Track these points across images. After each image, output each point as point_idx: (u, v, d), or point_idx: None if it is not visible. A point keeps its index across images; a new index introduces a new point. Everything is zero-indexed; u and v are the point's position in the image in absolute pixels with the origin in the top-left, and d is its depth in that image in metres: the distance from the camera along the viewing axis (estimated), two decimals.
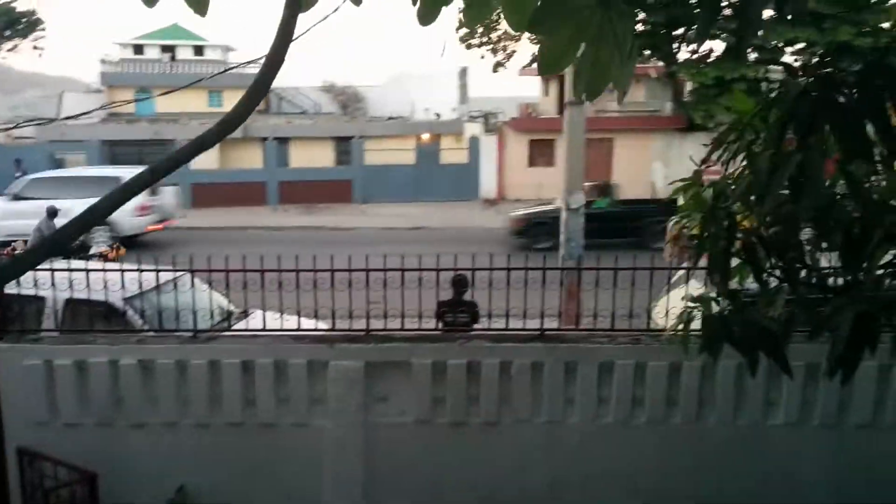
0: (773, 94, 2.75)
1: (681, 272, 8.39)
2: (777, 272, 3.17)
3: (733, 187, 3.12)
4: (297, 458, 5.79)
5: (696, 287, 6.80)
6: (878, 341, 2.61)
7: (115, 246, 15.38)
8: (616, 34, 1.84)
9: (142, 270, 6.71)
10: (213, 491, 5.77)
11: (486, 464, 5.78)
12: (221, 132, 2.74)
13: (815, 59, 22.59)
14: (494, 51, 26.34)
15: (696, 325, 3.26)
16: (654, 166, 26.67)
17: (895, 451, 5.57)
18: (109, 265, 8.10)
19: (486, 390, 5.67)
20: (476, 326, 7.50)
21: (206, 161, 27.28)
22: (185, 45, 45.49)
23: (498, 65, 26.72)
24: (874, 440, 5.58)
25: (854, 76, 2.41)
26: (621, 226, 17.63)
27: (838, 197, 2.83)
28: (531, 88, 34.10)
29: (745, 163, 2.97)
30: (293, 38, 2.53)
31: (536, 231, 18.21)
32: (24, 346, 5.81)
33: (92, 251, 14.67)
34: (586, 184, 19.93)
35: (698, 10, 2.13)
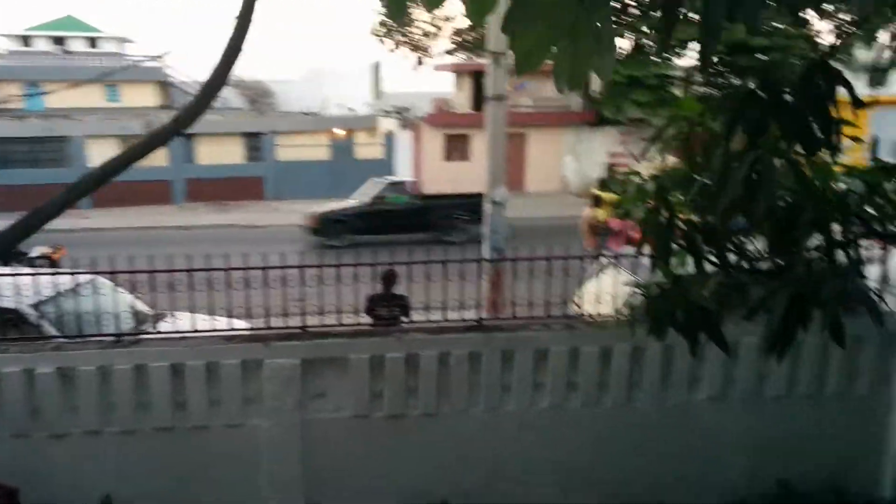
0: (719, 96, 2.89)
1: (602, 260, 8.69)
2: (711, 258, 3.34)
3: (670, 179, 3.28)
4: (233, 460, 5.63)
5: (616, 275, 7.07)
6: (811, 321, 2.76)
7: (57, 247, 14.48)
8: (593, 24, 1.87)
9: (53, 274, 6.34)
10: (143, 499, 5.53)
11: (425, 455, 5.79)
12: (177, 128, 2.64)
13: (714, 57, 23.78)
14: (414, 48, 26.25)
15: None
16: (565, 160, 27.33)
17: (807, 418, 5.96)
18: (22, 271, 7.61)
19: (424, 382, 5.67)
20: (405, 319, 7.51)
21: (106, 158, 26.00)
22: (78, 37, 43.12)
23: (419, 61, 26.58)
24: (788, 410, 5.94)
25: (797, 77, 2.55)
26: (414, 221, 18.19)
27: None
28: (444, 84, 34.25)
29: (691, 157, 3.14)
30: (250, 27, 2.45)
31: (331, 228, 17.96)
32: None
33: (34, 254, 13.77)
34: (380, 179, 20.43)
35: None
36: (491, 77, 10.47)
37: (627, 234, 12.52)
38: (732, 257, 3.32)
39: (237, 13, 2.40)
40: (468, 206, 18.58)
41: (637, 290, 3.39)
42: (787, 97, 2.56)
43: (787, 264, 3.07)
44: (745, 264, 3.35)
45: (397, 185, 20.09)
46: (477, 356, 5.71)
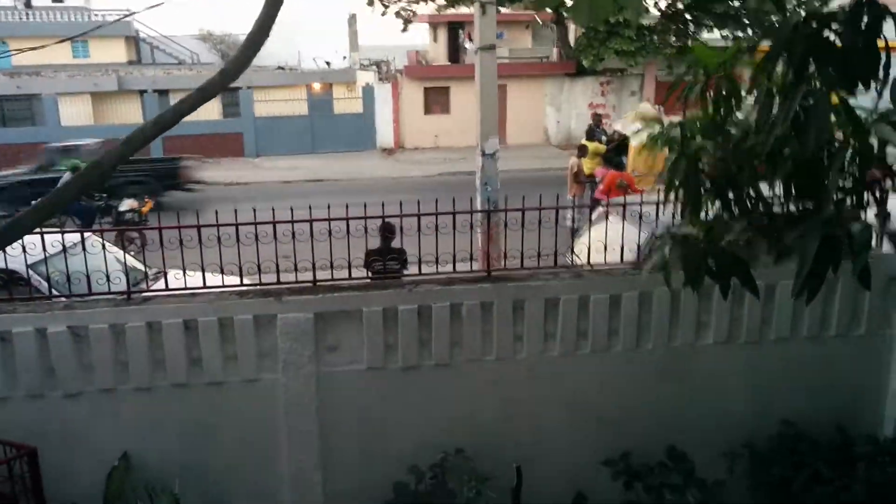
0: (762, 33, 2.88)
1: (600, 210, 8.76)
2: (735, 203, 3.36)
3: (696, 127, 3.29)
4: (249, 415, 5.67)
5: (614, 223, 7.12)
6: (840, 262, 2.78)
7: (145, 199, 14.46)
8: None
9: (44, 233, 6.20)
10: (160, 456, 5.56)
11: (440, 405, 5.87)
12: (223, 81, 2.58)
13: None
14: (398, 14, 25.60)
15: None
16: (546, 111, 27.22)
17: (808, 359, 6.13)
18: None
19: (437, 333, 5.72)
20: (405, 273, 7.53)
21: (80, 117, 25.39)
22: None
23: (406, 23, 25.84)
24: (791, 351, 6.10)
25: (843, 14, 2.54)
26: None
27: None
28: (419, 37, 33.69)
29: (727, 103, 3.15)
30: None
31: None
32: None
33: (123, 208, 13.77)
34: (54, 145, 18.49)
35: None
36: (478, 26, 10.34)
37: (613, 184, 12.60)
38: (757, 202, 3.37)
39: None
40: (155, 172, 17.93)
41: (663, 239, 3.39)
42: (832, 34, 2.56)
43: (816, 207, 3.11)
44: (770, 209, 3.39)
45: (71, 150, 18.07)
46: (488, 306, 5.76)
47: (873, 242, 5.22)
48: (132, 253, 8.75)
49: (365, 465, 5.84)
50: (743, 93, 3.19)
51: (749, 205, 3.30)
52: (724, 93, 3.18)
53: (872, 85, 2.65)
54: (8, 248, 6.00)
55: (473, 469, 5.64)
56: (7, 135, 24.12)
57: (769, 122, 2.71)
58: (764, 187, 3.27)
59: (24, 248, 5.55)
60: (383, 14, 24.21)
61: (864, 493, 5.53)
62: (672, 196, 3.29)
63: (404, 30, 26.07)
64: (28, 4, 39.03)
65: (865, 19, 2.51)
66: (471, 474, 5.57)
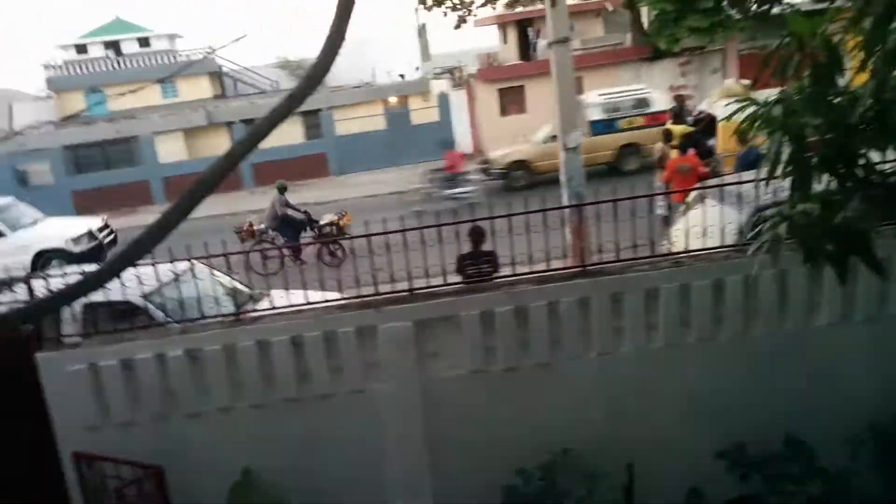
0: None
1: (694, 194, 8.48)
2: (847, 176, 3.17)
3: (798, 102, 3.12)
4: (357, 425, 5.81)
5: (711, 205, 6.86)
6: None
7: (343, 213, 15.16)
8: None
9: (153, 264, 6.55)
10: (278, 469, 5.76)
11: (543, 406, 5.84)
12: (291, 105, 2.69)
13: None
14: (454, 7, 25.85)
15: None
16: None
17: None
18: None
19: (535, 333, 5.70)
20: (499, 274, 7.52)
21: (175, 153, 26.74)
22: (129, 39, 44.11)
23: (461, 20, 26.19)
24: None
25: None
26: None
27: None
28: (489, 39, 33.73)
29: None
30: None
31: None
32: (66, 351, 5.70)
33: (323, 221, 14.46)
34: None
35: None
36: (549, 20, 10.24)
37: (674, 169, 12.16)
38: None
39: None
40: None
41: (775, 218, 3.23)
42: None
43: None
44: (886, 178, 3.20)
45: None
46: (586, 302, 5.69)
47: None
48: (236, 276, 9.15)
49: (473, 469, 5.86)
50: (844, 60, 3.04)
51: (862, 176, 3.12)
52: (823, 62, 3.03)
53: None
54: (125, 282, 6.44)
55: (583, 468, 5.57)
56: (113, 176, 25.70)
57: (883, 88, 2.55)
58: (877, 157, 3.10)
59: (139, 279, 5.90)
60: (445, 15, 24.32)
61: None
62: (774, 174, 3.15)
63: (457, 27, 26.11)
64: (118, 52, 41.56)
65: None
66: (581, 474, 5.50)
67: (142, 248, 3.18)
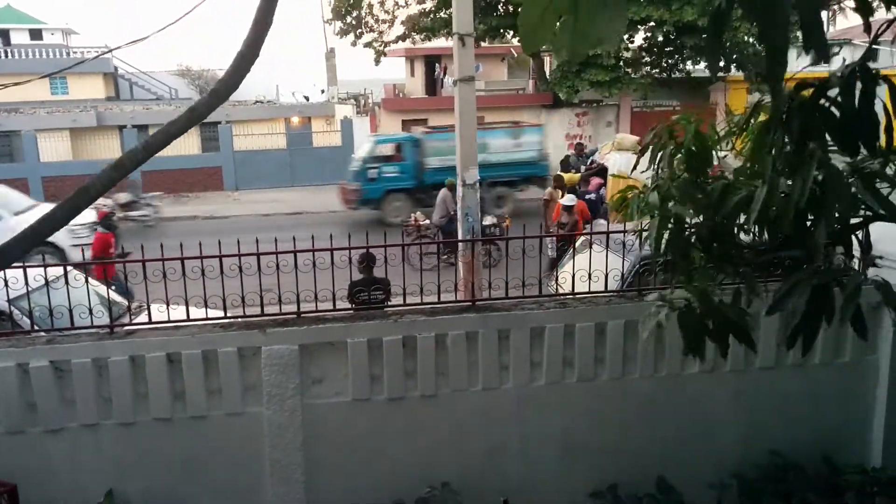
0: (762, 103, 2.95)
1: (582, 238, 8.84)
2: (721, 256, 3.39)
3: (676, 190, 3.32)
4: (233, 449, 5.61)
5: (597, 251, 7.19)
6: (834, 312, 2.74)
7: (504, 216, 15.38)
8: None
9: (25, 267, 6.13)
10: (146, 492, 5.47)
11: (425, 436, 5.85)
12: (213, 101, 2.62)
13: (661, 37, 24.18)
14: (369, 44, 26.02)
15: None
16: None
17: (794, 387, 6.18)
18: None
19: (422, 364, 5.72)
20: (391, 303, 7.52)
21: (59, 152, 25.23)
22: (19, 29, 41.50)
23: (379, 54, 26.35)
24: (776, 380, 6.16)
25: (837, 82, 2.57)
26: None
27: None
28: (396, 70, 34.08)
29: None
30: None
31: None
32: None
33: (486, 222, 13.73)
34: None
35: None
36: (457, 58, 10.50)
37: (584, 214, 12.79)
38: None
39: None
40: None
41: (662, 306, 3.36)
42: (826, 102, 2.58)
43: (806, 256, 3.05)
44: (756, 258, 3.43)
45: None
46: (474, 336, 5.79)
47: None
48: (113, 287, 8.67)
49: (350, 498, 5.77)
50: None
51: (735, 255, 3.34)
52: (695, 152, 3.26)
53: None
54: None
55: (460, 502, 5.61)
56: None
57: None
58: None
59: (6, 282, 5.50)
60: (353, 45, 24.57)
61: None
62: (658, 254, 3.33)
63: (377, 62, 26.44)
64: (7, 42, 38.97)
65: (859, 85, 2.50)
66: None
67: (10, 255, 2.98)
